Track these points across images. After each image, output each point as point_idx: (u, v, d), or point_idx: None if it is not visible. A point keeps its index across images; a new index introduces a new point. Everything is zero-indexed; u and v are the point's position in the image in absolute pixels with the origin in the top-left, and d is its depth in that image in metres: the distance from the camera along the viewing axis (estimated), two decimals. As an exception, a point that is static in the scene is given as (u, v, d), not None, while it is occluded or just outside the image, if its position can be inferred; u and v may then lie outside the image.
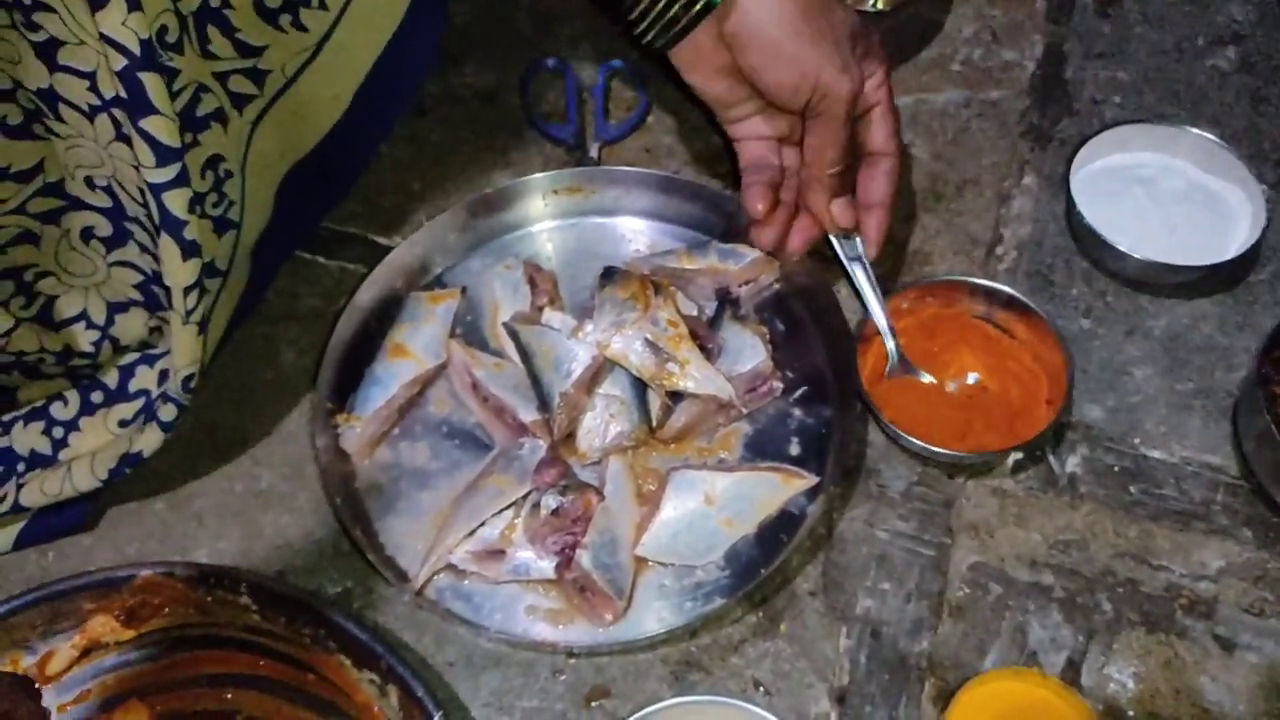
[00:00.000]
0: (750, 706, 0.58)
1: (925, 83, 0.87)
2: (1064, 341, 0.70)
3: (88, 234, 0.65)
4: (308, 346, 0.76)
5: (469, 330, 0.75)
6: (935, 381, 0.72)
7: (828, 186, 0.70)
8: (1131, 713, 0.62)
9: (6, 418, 0.69)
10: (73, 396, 0.69)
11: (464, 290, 0.76)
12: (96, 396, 0.70)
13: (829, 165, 0.69)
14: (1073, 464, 0.70)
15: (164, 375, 0.69)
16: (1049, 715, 0.58)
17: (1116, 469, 0.70)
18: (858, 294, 0.74)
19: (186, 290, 0.60)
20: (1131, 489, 0.69)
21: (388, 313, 0.75)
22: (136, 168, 0.57)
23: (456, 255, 0.78)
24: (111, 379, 0.70)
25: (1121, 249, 0.74)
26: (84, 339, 0.68)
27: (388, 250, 0.76)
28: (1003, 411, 0.70)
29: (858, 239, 0.73)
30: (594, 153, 0.82)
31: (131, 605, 0.64)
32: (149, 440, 0.64)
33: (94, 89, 0.57)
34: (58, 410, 0.69)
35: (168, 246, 0.58)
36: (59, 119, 0.59)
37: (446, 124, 0.86)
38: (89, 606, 0.64)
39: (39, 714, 0.55)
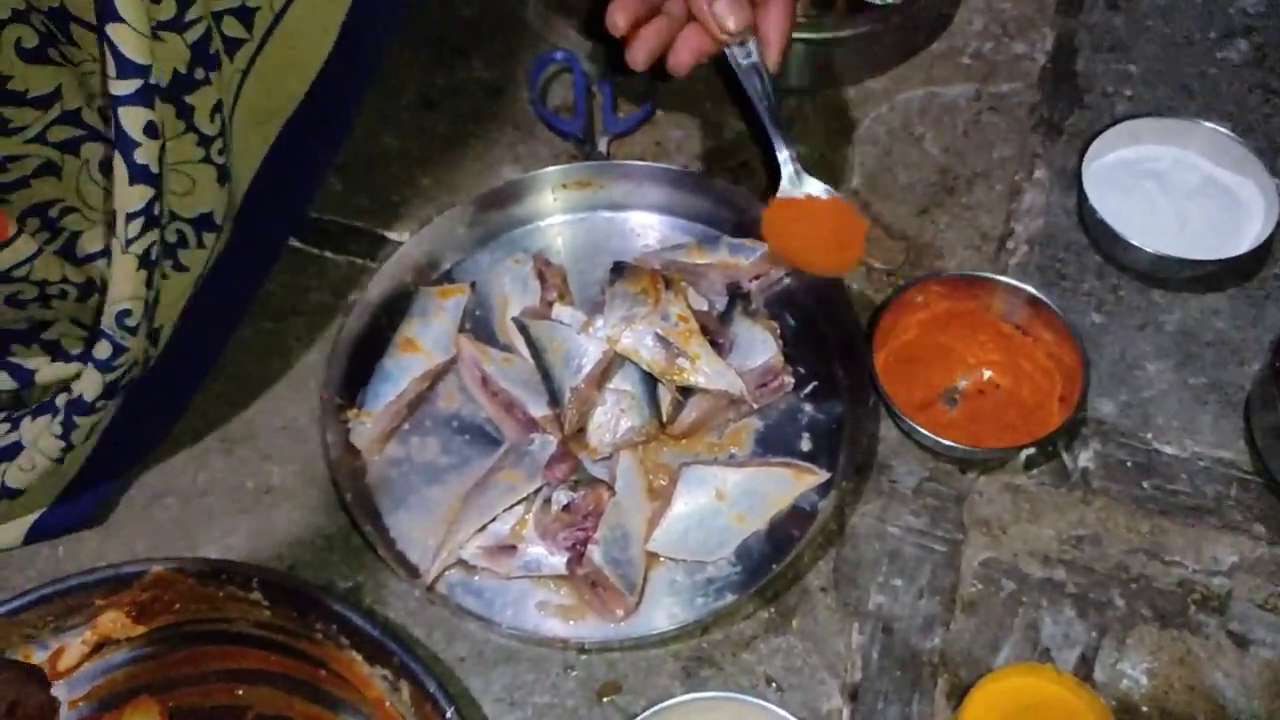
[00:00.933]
0: (762, 703, 0.58)
1: (935, 76, 0.87)
2: (1080, 340, 0.70)
3: (105, 165, 0.63)
4: (316, 341, 0.76)
5: (478, 325, 0.75)
6: (831, 194, 0.70)
7: None
8: (1145, 709, 0.62)
9: (16, 414, 0.68)
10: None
11: (473, 285, 0.76)
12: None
13: None
14: (1085, 459, 0.70)
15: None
16: (1063, 712, 0.57)
17: (1129, 464, 0.70)
18: (752, 114, 0.68)
19: (130, 216, 0.57)
20: (1144, 484, 0.69)
21: (397, 307, 0.74)
22: None
23: (465, 250, 0.78)
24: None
25: (1134, 243, 0.74)
26: (106, 275, 0.67)
27: (396, 245, 0.76)
28: (1015, 409, 0.70)
29: (753, 44, 0.66)
30: (603, 147, 0.82)
31: (142, 601, 0.64)
32: (89, 383, 0.61)
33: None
34: (62, 402, 0.69)
35: (118, 166, 0.56)
36: (72, 42, 0.57)
37: (454, 118, 0.86)
38: (100, 602, 0.64)
39: (49, 703, 0.55)
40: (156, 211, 0.59)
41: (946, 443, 0.67)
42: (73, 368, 0.68)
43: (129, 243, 0.58)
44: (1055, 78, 0.87)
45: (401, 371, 0.71)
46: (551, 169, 0.78)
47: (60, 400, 0.64)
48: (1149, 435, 0.71)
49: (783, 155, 0.70)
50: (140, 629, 0.64)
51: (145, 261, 0.59)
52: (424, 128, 0.86)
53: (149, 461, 0.71)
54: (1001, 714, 0.57)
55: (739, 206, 0.77)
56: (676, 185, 0.78)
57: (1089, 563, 0.66)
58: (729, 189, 0.78)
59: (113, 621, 0.64)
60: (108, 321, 0.60)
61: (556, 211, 0.79)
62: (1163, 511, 0.68)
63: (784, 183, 0.71)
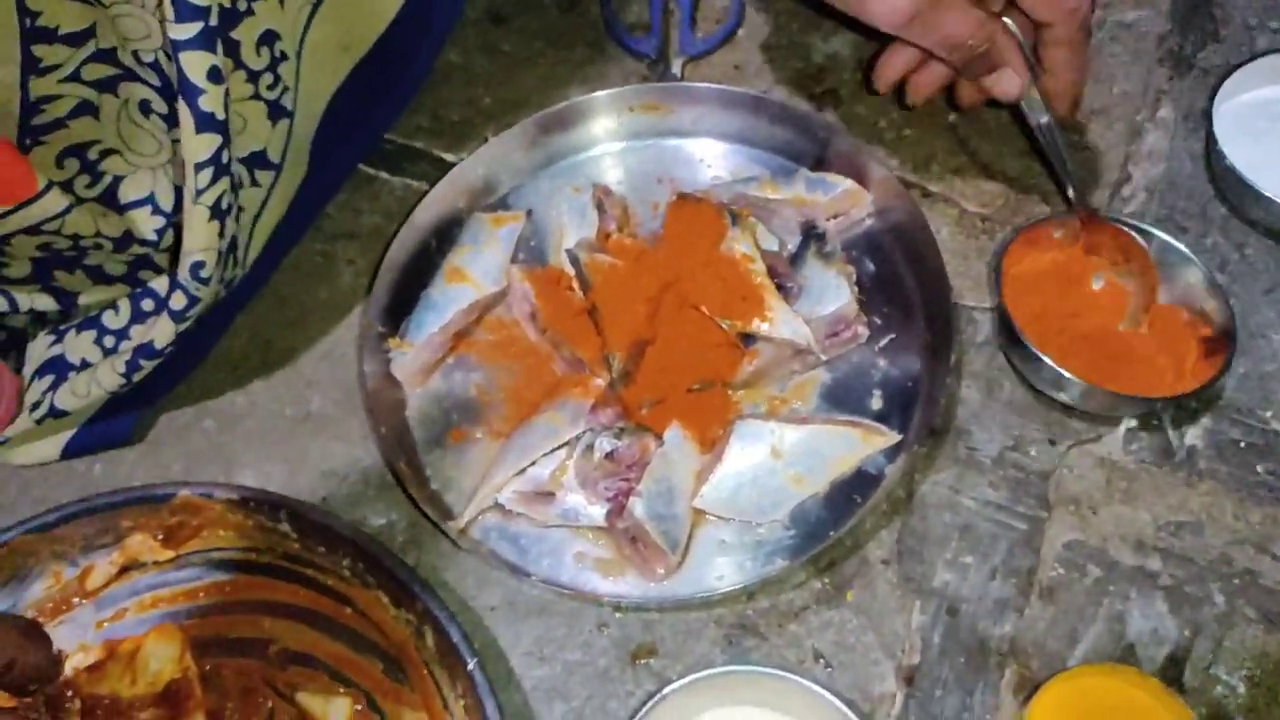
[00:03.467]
0: (808, 684, 0.53)
1: (1053, 0, 0.78)
2: (1233, 316, 0.62)
3: (145, 107, 0.62)
4: (367, 266, 0.72)
5: (532, 256, 0.70)
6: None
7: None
8: (1239, 720, 0.55)
9: (62, 326, 0.67)
10: (124, 305, 0.67)
11: (529, 213, 0.71)
12: (147, 304, 0.67)
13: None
14: (1193, 436, 0.62)
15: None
16: (1143, 719, 0.51)
17: (1243, 444, 0.62)
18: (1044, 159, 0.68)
19: (199, 166, 0.56)
20: (1258, 468, 0.61)
21: (448, 234, 0.70)
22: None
23: (523, 175, 0.73)
24: (162, 285, 0.67)
25: (1267, 194, 0.66)
26: (148, 225, 0.65)
27: (453, 167, 0.71)
28: (1144, 366, 0.63)
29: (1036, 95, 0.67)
30: (676, 69, 0.76)
31: (170, 525, 0.63)
32: (161, 331, 0.61)
33: None
34: (109, 319, 0.67)
35: (183, 114, 0.55)
36: None
37: (522, 34, 0.81)
38: (127, 524, 0.62)
39: (49, 660, 0.53)
40: (225, 160, 0.57)
41: (1071, 378, 0.60)
42: (116, 289, 0.66)
43: (199, 193, 0.57)
44: (1188, 6, 0.78)
45: (448, 301, 0.66)
46: (618, 90, 0.73)
47: (124, 346, 0.63)
48: (1268, 414, 0.63)
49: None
50: (168, 554, 0.63)
51: (217, 211, 0.58)
52: (490, 43, 0.81)
53: (190, 381, 0.69)
54: (1075, 716, 0.51)
55: (820, 137, 0.70)
56: (752, 111, 0.72)
57: (1188, 552, 0.59)
58: (810, 117, 0.71)
59: (140, 544, 0.63)
60: (183, 273, 0.59)
61: (621, 137, 0.74)
62: (1277, 500, 0.60)
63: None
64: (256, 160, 0.62)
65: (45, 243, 0.60)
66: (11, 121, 0.58)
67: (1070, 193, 0.67)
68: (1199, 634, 0.57)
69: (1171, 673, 0.56)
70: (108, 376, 0.63)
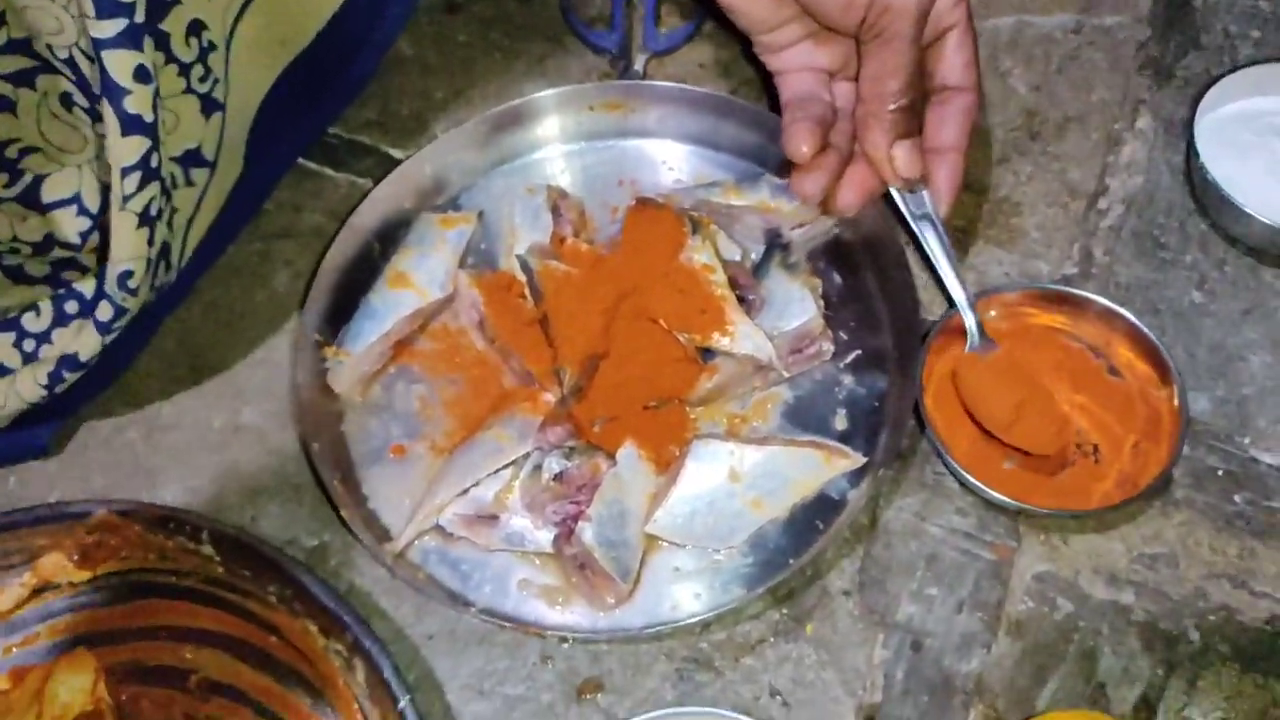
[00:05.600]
0: (761, 724, 0.50)
1: (1030, 2, 0.75)
2: (1185, 392, 0.59)
3: (67, 100, 0.58)
4: (306, 268, 0.68)
5: (482, 261, 0.67)
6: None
7: (889, 125, 0.58)
8: (1214, 764, 0.52)
9: None
10: (46, 307, 0.63)
11: (480, 215, 0.67)
12: (71, 307, 0.63)
13: (891, 99, 0.57)
14: (1168, 463, 0.60)
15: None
16: (1116, 767, 0.48)
17: (1220, 472, 0.60)
18: (926, 259, 0.63)
19: (126, 171, 0.52)
20: (1236, 498, 0.59)
21: (392, 235, 0.66)
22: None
23: (475, 174, 0.70)
24: (88, 287, 0.63)
25: (1249, 211, 0.64)
26: (72, 226, 0.62)
27: (400, 164, 0.68)
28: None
29: (925, 193, 0.61)
30: (639, 66, 0.72)
31: (87, 545, 0.58)
32: (85, 343, 0.57)
33: None
34: (29, 322, 0.63)
35: (108, 117, 0.51)
36: None
37: (478, 23, 0.77)
38: (42, 543, 0.58)
39: None
40: (155, 163, 0.53)
41: (997, 496, 0.57)
42: (37, 290, 0.62)
43: (126, 199, 0.53)
44: (1169, 11, 0.75)
45: (389, 308, 0.63)
46: (577, 86, 0.69)
47: (46, 352, 0.59)
48: (1246, 440, 0.61)
49: (966, 315, 0.61)
50: (84, 574, 0.59)
51: (146, 218, 0.54)
52: (443, 34, 0.77)
53: (113, 388, 0.65)
54: (1044, 764, 0.48)
55: (787, 142, 0.67)
56: (718, 113, 0.69)
57: (1162, 586, 0.57)
58: (779, 121, 0.68)
59: (55, 564, 0.59)
60: (109, 284, 0.56)
61: (580, 136, 0.70)
62: (1255, 532, 0.58)
63: (969, 340, 0.61)
64: (190, 159, 0.58)
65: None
66: None
67: (967, 311, 0.61)
68: (1173, 673, 0.55)
69: (1144, 714, 0.53)
70: (28, 387, 0.59)
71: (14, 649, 0.58)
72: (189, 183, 0.59)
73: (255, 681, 0.56)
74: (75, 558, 0.58)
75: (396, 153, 0.72)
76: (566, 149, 0.70)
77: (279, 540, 0.59)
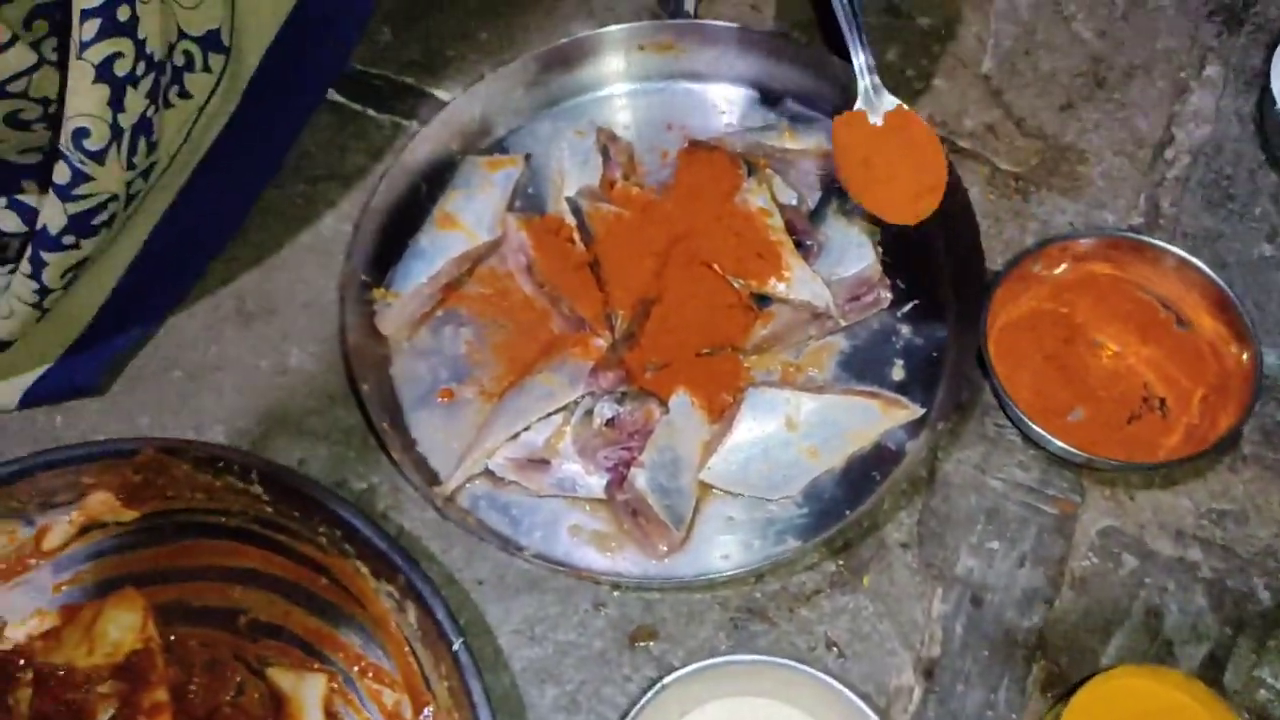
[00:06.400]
0: (819, 675, 0.49)
1: (1096, -56, 0.73)
2: (1260, 348, 0.57)
3: None
4: (351, 211, 0.67)
5: (530, 204, 0.65)
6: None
7: None
8: (1283, 727, 0.51)
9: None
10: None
11: (528, 157, 0.66)
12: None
13: None
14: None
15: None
16: (1185, 724, 0.47)
17: (1290, 429, 0.58)
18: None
19: (85, 14, 0.49)
20: (1307, 455, 0.57)
21: (439, 177, 0.66)
22: None
23: (522, 116, 0.68)
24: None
25: (1327, 161, 0.61)
26: None
27: (446, 106, 0.66)
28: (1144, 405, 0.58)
29: None
30: (690, 5, 0.70)
31: (134, 483, 0.58)
32: (50, 212, 0.53)
33: None
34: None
35: None
36: None
37: (525, -38, 0.75)
38: (88, 481, 0.58)
39: None
40: (124, 17, 0.50)
41: (1063, 446, 0.56)
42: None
43: (84, 46, 0.50)
44: (1243, -45, 0.72)
45: (437, 250, 0.62)
46: (627, 26, 0.68)
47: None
48: (1319, 396, 0.59)
49: (859, 61, 0.58)
50: (132, 514, 0.58)
51: (106, 74, 0.51)
52: (489, -29, 0.75)
53: (160, 328, 0.64)
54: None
55: (843, 83, 0.65)
56: (772, 54, 0.67)
57: (1231, 543, 0.55)
58: (833, 62, 0.66)
59: (102, 503, 0.58)
60: (64, 140, 0.52)
61: (629, 78, 0.69)
62: (1327, 490, 0.56)
63: (859, 99, 0.59)
64: (210, 41, 0.56)
65: (14, 110, 0.53)
66: None
67: (859, 55, 0.58)
68: (1241, 632, 0.53)
69: (1211, 673, 0.52)
70: (20, 283, 0.56)
71: (63, 587, 0.58)
72: (206, 67, 0.57)
73: (304, 622, 0.56)
74: (122, 497, 0.58)
75: (441, 94, 0.71)
76: (615, 91, 0.69)
77: (327, 484, 0.59)
